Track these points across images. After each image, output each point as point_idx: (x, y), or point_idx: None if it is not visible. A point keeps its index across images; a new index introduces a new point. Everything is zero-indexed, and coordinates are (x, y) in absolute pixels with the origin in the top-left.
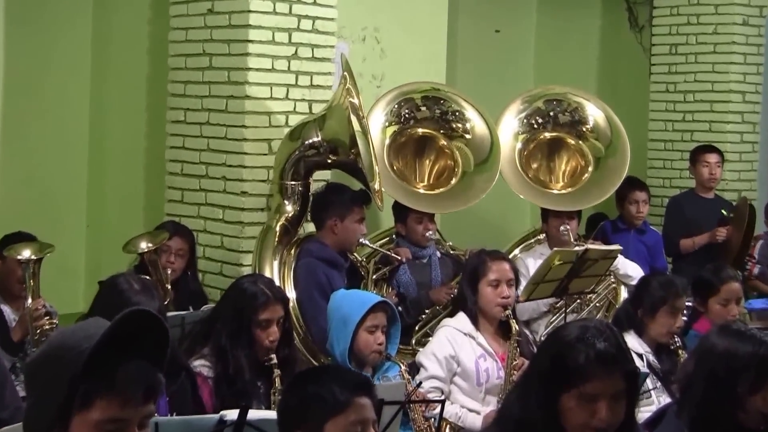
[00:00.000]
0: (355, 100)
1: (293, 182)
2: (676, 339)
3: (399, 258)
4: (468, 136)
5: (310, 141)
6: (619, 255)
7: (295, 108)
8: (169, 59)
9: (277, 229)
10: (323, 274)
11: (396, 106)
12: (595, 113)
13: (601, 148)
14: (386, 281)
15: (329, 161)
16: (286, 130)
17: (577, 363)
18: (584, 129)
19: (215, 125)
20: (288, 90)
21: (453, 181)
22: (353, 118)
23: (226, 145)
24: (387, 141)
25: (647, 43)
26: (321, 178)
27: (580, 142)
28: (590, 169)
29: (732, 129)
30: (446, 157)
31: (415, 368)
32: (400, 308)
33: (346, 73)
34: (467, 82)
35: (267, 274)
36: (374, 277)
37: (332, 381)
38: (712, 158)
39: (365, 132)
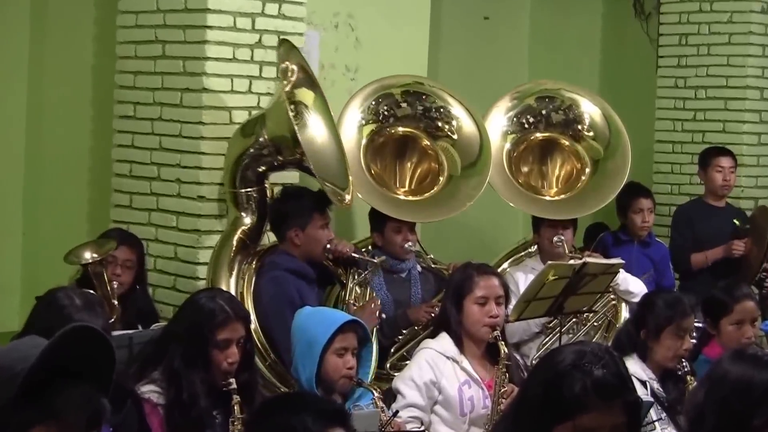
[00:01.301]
0: (308, 91)
1: (246, 189)
2: (684, 364)
3: (375, 261)
4: (454, 136)
5: (260, 140)
6: (621, 270)
7: (258, 103)
8: (117, 47)
9: (234, 242)
10: (294, 289)
11: (373, 102)
12: (590, 110)
13: (599, 149)
14: (368, 285)
15: (278, 163)
16: None
17: (573, 392)
18: (580, 128)
19: (168, 121)
20: (251, 82)
21: (437, 187)
22: (292, 112)
23: (180, 144)
24: (364, 141)
25: (654, 33)
26: (282, 180)
27: (576, 143)
28: (587, 172)
29: (748, 129)
30: (430, 160)
31: (390, 395)
32: (379, 323)
33: (287, 63)
34: (452, 76)
35: (223, 287)
36: (353, 283)
37: (304, 410)
38: (726, 162)
39: (335, 131)
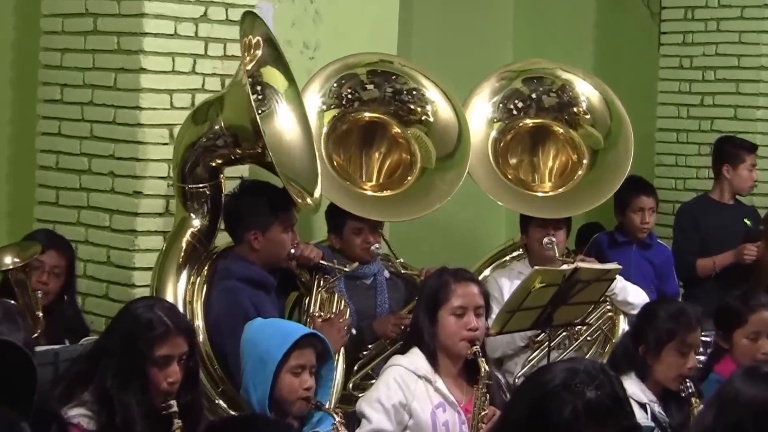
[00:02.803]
0: (277, 72)
1: (197, 185)
2: (688, 384)
3: (345, 269)
4: (430, 121)
5: (215, 128)
6: (618, 276)
7: (203, 85)
8: (42, 20)
9: (183, 245)
10: (249, 301)
11: (335, 84)
12: (588, 92)
13: (598, 138)
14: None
15: (235, 156)
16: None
17: (562, 416)
18: (576, 112)
19: (101, 106)
20: (195, 61)
21: (409, 181)
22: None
23: (115, 132)
24: (324, 129)
25: (656, 6)
26: (237, 174)
27: (571, 130)
28: (584, 164)
29: (763, 116)
30: (401, 150)
31: (354, 420)
32: (353, 330)
33: (249, 37)
34: (425, 55)
35: (169, 298)
36: (318, 291)
37: None
38: (753, 159)
39: (306, 123)
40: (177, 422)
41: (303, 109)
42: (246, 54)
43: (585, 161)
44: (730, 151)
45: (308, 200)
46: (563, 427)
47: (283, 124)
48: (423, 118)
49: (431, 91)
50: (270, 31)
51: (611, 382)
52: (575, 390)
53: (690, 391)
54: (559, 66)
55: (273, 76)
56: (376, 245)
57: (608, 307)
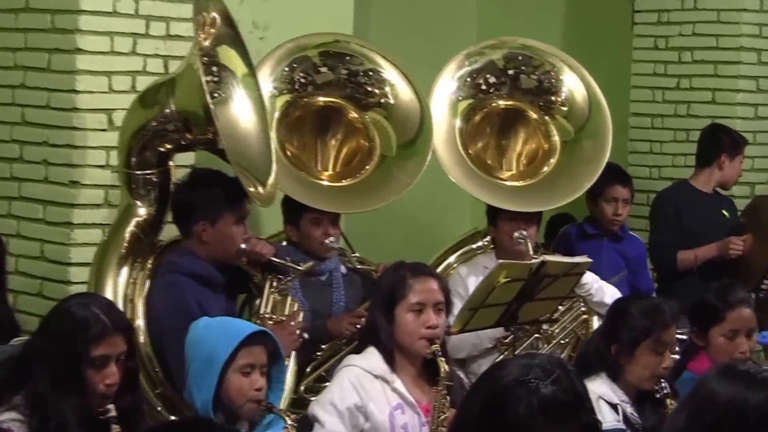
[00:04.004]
0: (233, 53)
1: (144, 172)
2: (663, 385)
3: (300, 268)
4: (390, 103)
5: (165, 112)
6: (590, 273)
7: (145, 66)
8: None
9: (126, 236)
10: (194, 298)
11: (287, 68)
12: (571, 80)
13: (570, 130)
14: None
15: (186, 142)
16: (134, 97)
17: (516, 414)
18: (553, 101)
19: (33, 89)
20: (135, 41)
21: (367, 169)
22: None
23: (48, 117)
24: (277, 115)
25: None
26: (187, 162)
27: (546, 117)
28: (556, 155)
29: (743, 100)
30: (358, 136)
31: (307, 423)
32: (305, 335)
33: (204, 14)
34: (383, 35)
35: (108, 294)
36: (271, 291)
37: None
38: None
39: (262, 108)
40: (115, 428)
41: (260, 95)
42: (200, 32)
43: (556, 152)
44: (728, 141)
45: (260, 190)
46: (518, 425)
47: (239, 111)
48: (382, 101)
49: (389, 72)
50: (227, 8)
51: (569, 376)
52: (530, 385)
53: (665, 391)
54: (541, 46)
55: (230, 57)
56: (332, 239)
57: (582, 308)
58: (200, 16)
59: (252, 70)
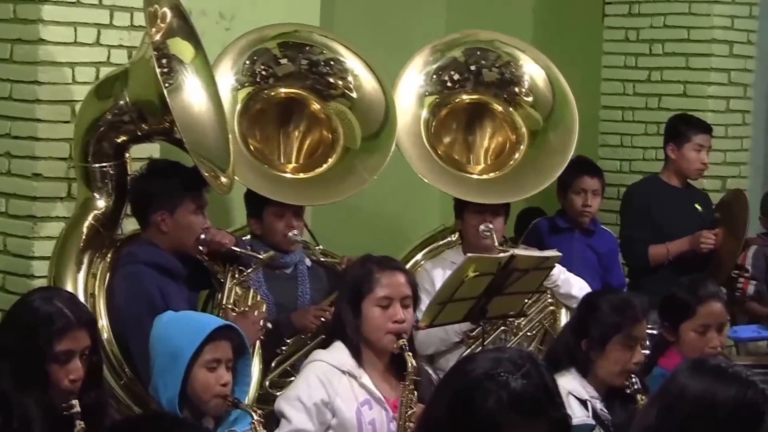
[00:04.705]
0: (185, 43)
1: (101, 164)
2: (634, 380)
3: (260, 257)
4: (353, 95)
5: (120, 104)
6: (557, 265)
7: (109, 57)
8: None
9: (84, 229)
10: (155, 287)
11: (248, 61)
12: (532, 70)
13: (538, 119)
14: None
15: (142, 132)
16: None
17: (485, 408)
18: (517, 92)
19: None
20: (99, 32)
21: (331, 161)
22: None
23: (10, 109)
24: (239, 107)
25: None
26: (144, 154)
27: (511, 109)
28: (523, 146)
29: (714, 93)
30: (321, 127)
31: (273, 419)
32: (269, 325)
33: (156, 6)
34: (351, 26)
35: (69, 288)
36: (233, 283)
37: None
38: (707, 141)
39: (217, 97)
40: (79, 423)
41: (213, 82)
42: (151, 25)
43: (524, 143)
44: (677, 129)
45: (221, 178)
46: (487, 419)
47: (192, 99)
48: (344, 91)
49: (351, 61)
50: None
51: (539, 370)
52: (499, 379)
53: (636, 387)
54: (499, 38)
55: (181, 48)
56: (295, 232)
57: (550, 300)
58: (151, 8)
59: (203, 58)
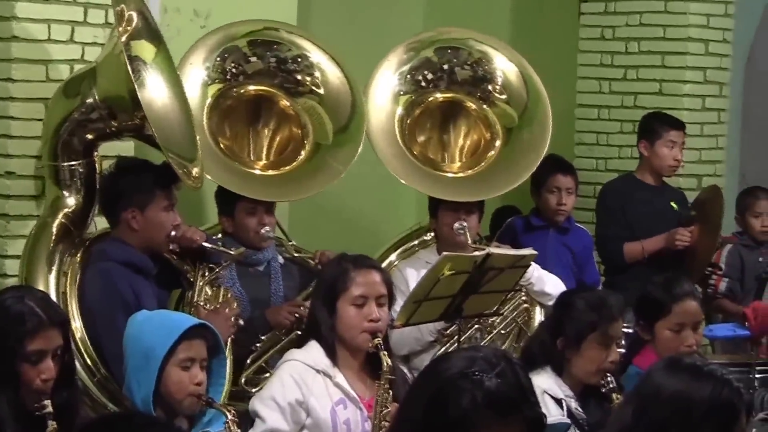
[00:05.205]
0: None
1: (70, 163)
2: (610, 379)
3: (231, 253)
4: (320, 91)
5: (88, 101)
6: (534, 264)
7: (83, 55)
8: None
9: (54, 229)
10: (127, 285)
11: (219, 58)
12: (505, 67)
13: (513, 116)
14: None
15: (111, 130)
16: None
17: (460, 408)
18: (490, 89)
19: None
20: (73, 29)
21: (301, 157)
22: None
23: None
24: (209, 102)
25: None
26: (114, 153)
27: (485, 107)
28: (497, 144)
29: (690, 91)
30: (291, 124)
31: (248, 419)
32: (241, 321)
33: (123, 6)
34: (327, 24)
35: (40, 287)
36: (204, 281)
37: None
38: (679, 137)
39: (181, 92)
40: (52, 423)
41: (178, 81)
42: (119, 23)
43: (498, 140)
44: (649, 126)
45: (193, 174)
46: (461, 419)
47: (158, 96)
48: (312, 87)
49: (316, 55)
50: (142, 2)
51: (514, 369)
52: (474, 378)
53: (611, 386)
54: (472, 36)
55: (144, 49)
56: (267, 228)
57: (524, 297)
58: (118, 8)
59: (168, 59)
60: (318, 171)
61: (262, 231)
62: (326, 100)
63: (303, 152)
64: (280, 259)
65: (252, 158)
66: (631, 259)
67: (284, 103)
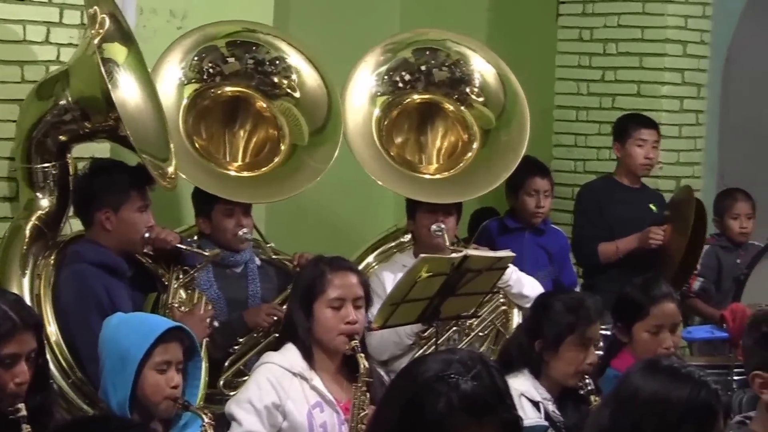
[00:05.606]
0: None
1: (43, 165)
2: (588, 381)
3: (206, 254)
4: (296, 94)
5: (61, 103)
6: (512, 266)
7: (58, 56)
8: None
9: (27, 231)
10: (102, 286)
11: (196, 58)
12: (483, 69)
13: (490, 117)
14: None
15: (85, 131)
16: None
17: (435, 410)
18: (468, 91)
19: None
20: (49, 30)
21: (278, 159)
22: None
23: None
24: (185, 103)
25: None
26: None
27: (463, 108)
28: (475, 145)
29: (669, 92)
30: (267, 125)
31: (224, 422)
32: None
33: (96, 9)
34: (304, 25)
35: (14, 290)
36: (178, 283)
37: None
38: (650, 135)
39: (154, 93)
40: (26, 427)
41: (149, 79)
42: (92, 25)
43: (476, 142)
44: (620, 125)
45: (168, 172)
46: (437, 422)
47: (128, 93)
48: (289, 89)
49: (294, 57)
50: (114, 3)
51: (490, 372)
52: (449, 381)
53: (589, 388)
54: (449, 37)
55: (116, 50)
56: (245, 230)
57: (502, 300)
58: (91, 9)
59: (140, 58)
60: (297, 171)
61: (240, 233)
62: (302, 102)
63: (279, 154)
64: (258, 261)
65: (228, 159)
66: (606, 259)
67: (260, 104)
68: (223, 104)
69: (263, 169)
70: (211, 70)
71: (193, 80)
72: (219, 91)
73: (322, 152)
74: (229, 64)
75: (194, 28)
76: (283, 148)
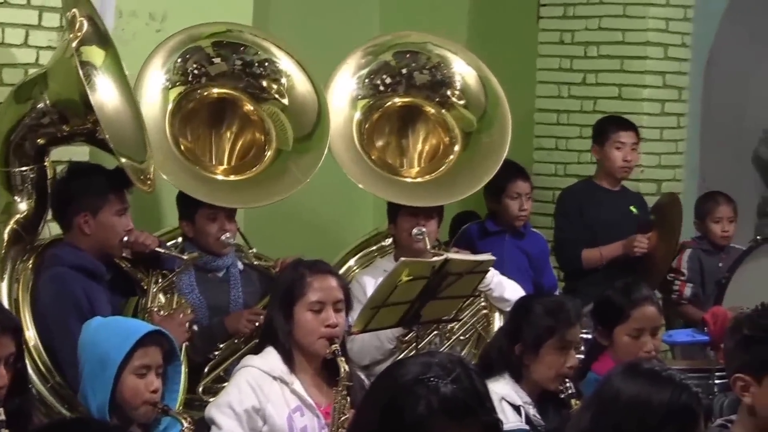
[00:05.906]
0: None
1: (21, 168)
2: (568, 385)
3: (185, 258)
4: (284, 100)
5: (39, 106)
6: (494, 270)
7: (37, 59)
8: None
9: (6, 235)
10: (81, 290)
11: (180, 59)
12: (463, 71)
13: (471, 120)
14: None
15: (63, 134)
16: None
17: (415, 414)
18: (449, 94)
19: None
20: (27, 33)
21: (263, 163)
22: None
23: None
24: (170, 107)
25: None
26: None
27: (444, 111)
28: (457, 148)
29: (650, 96)
30: (254, 129)
31: (204, 426)
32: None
33: (75, 11)
34: (283, 27)
35: None
36: (158, 288)
37: None
38: (628, 137)
39: (131, 95)
40: (4, 431)
41: (127, 82)
42: (71, 28)
43: (457, 145)
44: (599, 128)
45: (147, 175)
46: (417, 425)
47: (106, 96)
48: (278, 94)
49: (285, 62)
50: (92, 6)
51: (469, 375)
52: (429, 384)
53: (570, 392)
54: (430, 39)
55: (94, 53)
56: (228, 235)
57: (483, 303)
58: (68, 13)
59: (117, 61)
60: (280, 177)
61: (223, 237)
62: (291, 108)
63: (265, 158)
64: (240, 266)
65: (213, 162)
66: (589, 265)
67: (248, 107)
68: (209, 106)
69: (248, 173)
70: (196, 71)
71: (177, 83)
72: (206, 93)
73: (307, 161)
74: (215, 65)
75: (177, 31)
76: (269, 152)
